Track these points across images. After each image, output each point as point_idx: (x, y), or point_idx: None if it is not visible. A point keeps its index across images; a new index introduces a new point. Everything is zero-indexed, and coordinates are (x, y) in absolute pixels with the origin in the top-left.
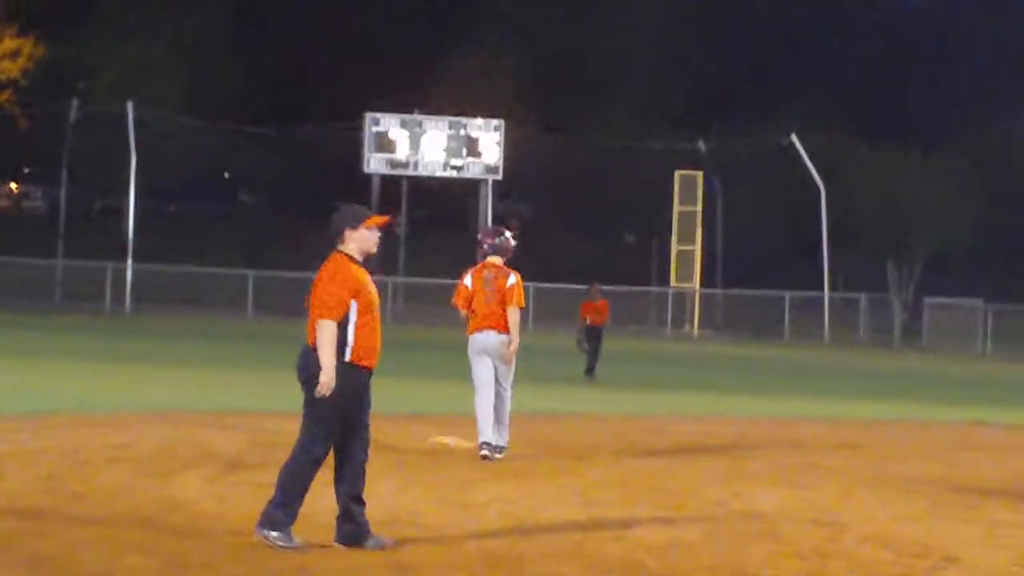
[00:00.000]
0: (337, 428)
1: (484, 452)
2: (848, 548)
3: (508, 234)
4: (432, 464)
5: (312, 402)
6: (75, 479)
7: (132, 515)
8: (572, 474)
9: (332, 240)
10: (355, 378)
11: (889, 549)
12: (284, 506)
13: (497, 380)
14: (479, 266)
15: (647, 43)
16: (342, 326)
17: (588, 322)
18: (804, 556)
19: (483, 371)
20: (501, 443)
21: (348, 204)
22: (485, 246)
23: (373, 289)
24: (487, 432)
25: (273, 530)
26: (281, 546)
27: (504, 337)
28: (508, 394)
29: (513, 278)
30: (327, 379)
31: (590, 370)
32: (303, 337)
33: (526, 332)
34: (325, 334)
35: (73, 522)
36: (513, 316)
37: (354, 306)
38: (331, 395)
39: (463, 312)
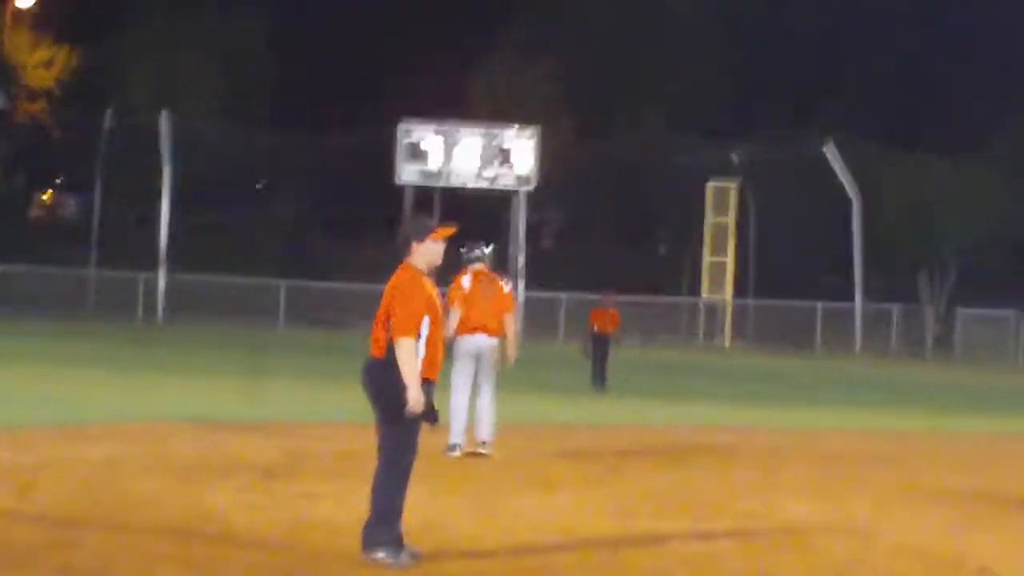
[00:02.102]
0: (419, 436)
1: (455, 453)
2: (880, 559)
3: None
4: (461, 472)
5: (393, 418)
6: (108, 489)
7: (165, 525)
8: (604, 484)
9: (399, 251)
10: (426, 391)
11: (922, 560)
12: (383, 523)
13: (483, 381)
14: (474, 272)
15: (681, 51)
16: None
17: (596, 330)
18: (836, 567)
19: (466, 373)
20: (487, 438)
21: (415, 214)
22: (475, 252)
23: (439, 301)
24: (459, 433)
25: (378, 550)
26: (391, 564)
27: (495, 342)
28: (492, 394)
29: (508, 285)
30: (416, 395)
31: (596, 380)
32: (365, 349)
33: (556, 341)
34: (409, 352)
35: (106, 532)
36: (512, 322)
37: (426, 321)
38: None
39: (456, 311)
